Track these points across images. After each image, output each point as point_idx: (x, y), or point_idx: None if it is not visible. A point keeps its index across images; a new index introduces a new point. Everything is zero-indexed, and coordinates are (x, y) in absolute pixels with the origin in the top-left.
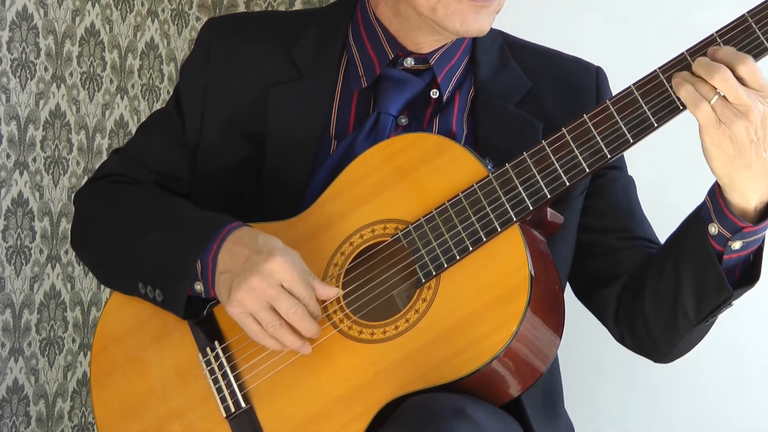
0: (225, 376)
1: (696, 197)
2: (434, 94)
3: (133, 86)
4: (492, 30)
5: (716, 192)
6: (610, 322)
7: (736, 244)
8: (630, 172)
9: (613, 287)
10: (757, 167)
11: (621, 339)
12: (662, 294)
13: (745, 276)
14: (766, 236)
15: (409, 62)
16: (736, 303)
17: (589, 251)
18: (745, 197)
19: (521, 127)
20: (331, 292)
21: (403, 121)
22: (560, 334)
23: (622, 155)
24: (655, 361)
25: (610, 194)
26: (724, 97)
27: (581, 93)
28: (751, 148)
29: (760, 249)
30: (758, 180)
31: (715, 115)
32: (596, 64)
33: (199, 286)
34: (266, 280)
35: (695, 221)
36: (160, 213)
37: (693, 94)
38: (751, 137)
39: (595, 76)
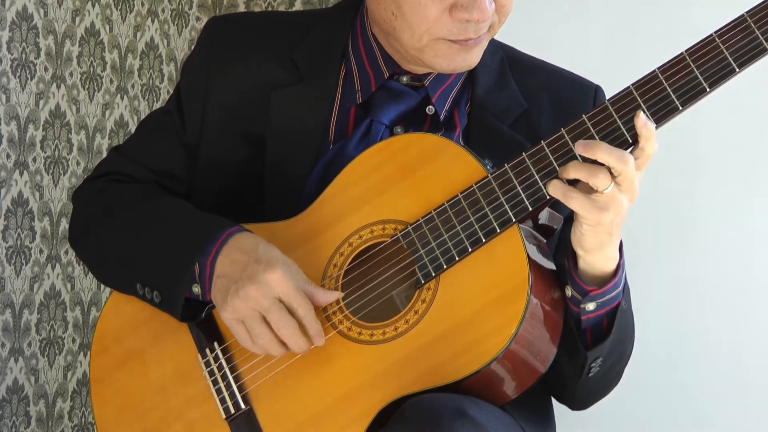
0: (225, 377)
1: (692, 198)
2: (430, 110)
3: (133, 86)
4: (493, 42)
5: (569, 256)
6: None
7: (590, 306)
8: None
9: None
10: (616, 237)
11: (547, 387)
12: None
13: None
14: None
15: (405, 80)
16: (735, 304)
17: None
18: (606, 262)
19: (512, 149)
20: (330, 297)
21: (399, 131)
22: (559, 335)
23: None
24: (571, 409)
25: None
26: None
27: (577, 115)
28: (620, 224)
29: (619, 305)
30: (615, 247)
31: (593, 201)
32: (597, 62)
33: (196, 289)
34: (263, 290)
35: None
36: (160, 213)
37: (560, 186)
38: (623, 215)
39: (593, 96)
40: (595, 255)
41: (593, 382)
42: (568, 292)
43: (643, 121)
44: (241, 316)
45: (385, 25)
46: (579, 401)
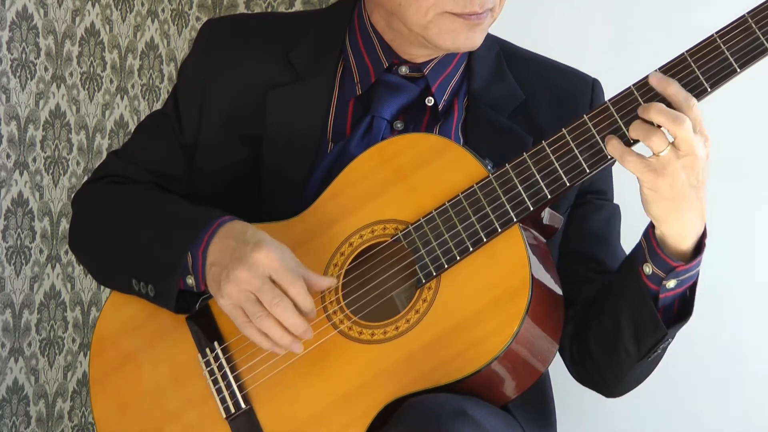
0: (225, 376)
1: None
2: (429, 102)
3: (133, 86)
4: (489, 37)
5: (650, 233)
6: (566, 355)
7: (671, 283)
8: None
9: (570, 322)
10: (693, 208)
11: (574, 374)
12: (604, 332)
13: (682, 311)
14: (699, 271)
15: (404, 70)
16: (737, 303)
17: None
18: (681, 237)
19: (511, 140)
20: (325, 282)
21: (399, 125)
22: (560, 335)
23: (611, 181)
24: (605, 395)
25: (590, 222)
26: (671, 147)
27: (575, 107)
28: (690, 193)
29: (695, 284)
30: (693, 220)
31: (649, 163)
32: (597, 62)
33: (190, 280)
34: (252, 270)
35: (631, 262)
36: (153, 210)
37: (618, 146)
38: (692, 183)
39: (591, 89)
40: (665, 226)
41: (647, 365)
42: (648, 269)
43: (657, 78)
44: (237, 301)
45: (389, 3)
46: (624, 387)
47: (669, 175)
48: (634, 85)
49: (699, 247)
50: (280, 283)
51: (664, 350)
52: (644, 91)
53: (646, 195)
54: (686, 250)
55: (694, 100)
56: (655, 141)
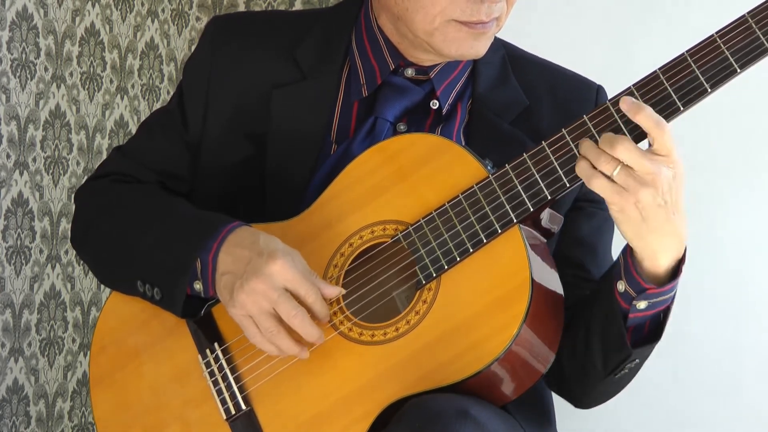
0: (225, 377)
1: (693, 197)
2: (434, 105)
3: (133, 86)
4: (495, 40)
5: (628, 251)
6: None
7: (641, 304)
8: None
9: None
10: (667, 230)
11: (546, 380)
12: (577, 343)
13: (653, 333)
14: (675, 295)
15: (410, 73)
16: (736, 304)
17: None
18: (655, 259)
19: (513, 146)
20: (333, 290)
21: (402, 128)
22: (560, 336)
23: None
24: (574, 406)
25: (579, 228)
26: (627, 166)
27: (579, 113)
28: (659, 212)
29: (669, 309)
30: (668, 242)
31: (614, 185)
32: (597, 62)
33: (198, 285)
34: (268, 282)
35: (609, 277)
36: (160, 212)
37: (586, 168)
38: (658, 202)
39: (595, 96)
40: (639, 248)
41: (615, 383)
42: (621, 287)
43: (628, 104)
44: (249, 312)
45: (396, 7)
46: (592, 400)
47: (631, 194)
48: (634, 85)
49: (676, 271)
50: (296, 293)
51: (632, 370)
52: (644, 91)
53: (614, 216)
54: (661, 273)
55: (664, 125)
56: (602, 163)
